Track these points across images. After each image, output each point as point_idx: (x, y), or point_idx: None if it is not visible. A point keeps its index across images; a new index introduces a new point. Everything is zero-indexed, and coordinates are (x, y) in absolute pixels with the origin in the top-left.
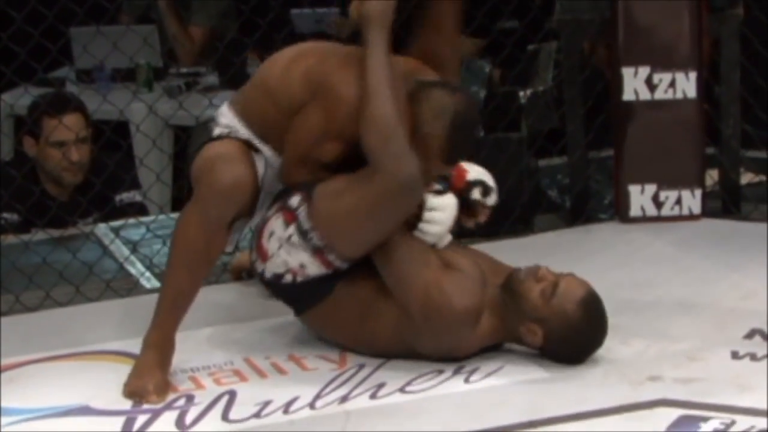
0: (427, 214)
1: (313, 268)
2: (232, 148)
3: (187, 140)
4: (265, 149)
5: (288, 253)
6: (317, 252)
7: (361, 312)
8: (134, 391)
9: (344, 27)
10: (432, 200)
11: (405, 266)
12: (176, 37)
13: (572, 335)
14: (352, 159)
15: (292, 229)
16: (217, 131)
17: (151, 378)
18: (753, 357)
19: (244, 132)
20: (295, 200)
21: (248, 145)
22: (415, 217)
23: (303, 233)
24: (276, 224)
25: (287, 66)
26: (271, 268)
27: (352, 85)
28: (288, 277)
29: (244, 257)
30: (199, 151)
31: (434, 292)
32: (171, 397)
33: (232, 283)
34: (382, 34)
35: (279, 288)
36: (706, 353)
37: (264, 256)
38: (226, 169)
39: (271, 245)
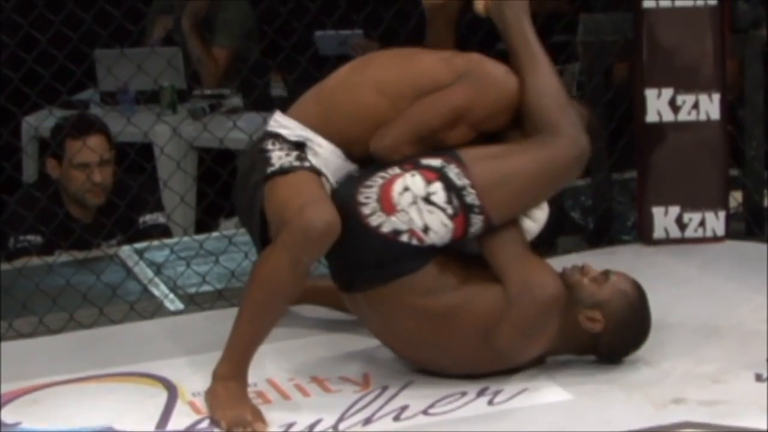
0: (531, 210)
1: (439, 233)
2: (313, 186)
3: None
4: (328, 146)
5: (419, 211)
6: (463, 212)
7: (438, 288)
8: (236, 422)
9: (368, 49)
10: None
11: (513, 246)
12: (200, 59)
13: (632, 316)
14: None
15: (435, 187)
16: (282, 157)
17: (244, 407)
18: None
19: (303, 133)
20: (433, 161)
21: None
22: None
23: (455, 190)
24: (411, 181)
25: (411, 55)
26: (393, 222)
27: (505, 72)
28: (405, 237)
29: None
30: (265, 180)
31: (536, 273)
32: (195, 418)
33: None
34: (526, 15)
35: (387, 245)
36: (729, 376)
37: (390, 209)
38: (316, 214)
39: (402, 200)
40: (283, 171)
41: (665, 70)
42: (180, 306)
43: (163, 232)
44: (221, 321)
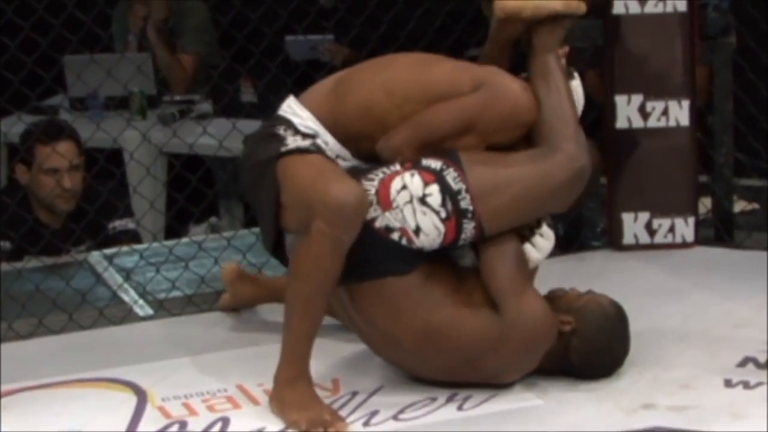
0: (537, 238)
1: (430, 236)
2: (332, 165)
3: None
4: (335, 144)
5: (413, 211)
6: (456, 216)
7: (428, 303)
8: (315, 423)
9: (338, 55)
10: (545, 227)
11: (514, 271)
12: (168, 65)
13: (604, 326)
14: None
15: (431, 189)
16: (297, 140)
17: (320, 407)
18: (746, 385)
19: (314, 126)
20: (433, 162)
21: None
22: (529, 231)
23: (451, 194)
24: (410, 180)
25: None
26: (386, 219)
27: (522, 87)
28: (395, 235)
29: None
30: (278, 157)
31: (532, 305)
32: (164, 423)
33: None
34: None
35: (378, 240)
36: (699, 381)
37: (387, 205)
38: (344, 190)
39: (399, 197)
40: (300, 151)
41: (635, 77)
42: (149, 311)
43: (133, 237)
44: (191, 326)
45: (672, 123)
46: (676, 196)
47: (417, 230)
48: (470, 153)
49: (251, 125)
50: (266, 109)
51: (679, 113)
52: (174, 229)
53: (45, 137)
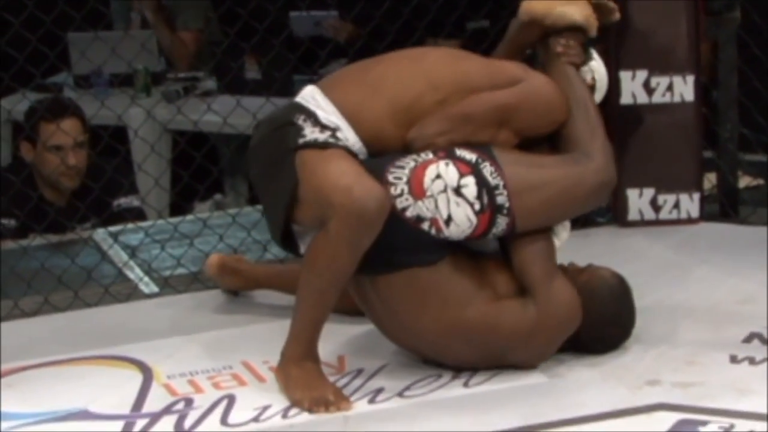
0: (559, 226)
1: (461, 227)
2: (354, 163)
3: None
4: (356, 142)
5: (447, 201)
6: (491, 210)
7: (457, 297)
8: (319, 402)
9: (342, 31)
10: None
11: (547, 260)
12: (170, 44)
13: (608, 299)
14: None
15: (467, 180)
16: (316, 132)
17: (326, 387)
18: (752, 361)
19: (337, 121)
20: (467, 154)
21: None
22: None
23: (488, 188)
24: (445, 170)
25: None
26: (418, 208)
27: (556, 87)
28: (425, 225)
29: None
30: (296, 149)
31: (564, 293)
32: (170, 400)
33: None
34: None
35: (407, 230)
36: (704, 357)
37: (420, 194)
38: (366, 194)
39: (434, 186)
40: (319, 145)
41: (639, 52)
42: (155, 289)
43: (138, 215)
44: (196, 304)
45: (677, 98)
46: (680, 171)
47: (448, 220)
48: (504, 150)
49: (256, 102)
50: (270, 85)
51: (684, 89)
52: (179, 206)
53: (49, 115)
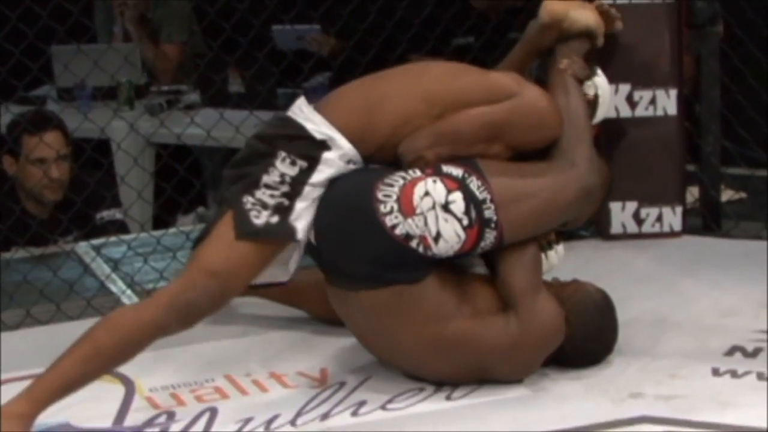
0: (551, 252)
1: (449, 242)
2: (251, 270)
3: (174, 157)
4: (350, 150)
5: (435, 218)
6: (479, 225)
7: (440, 313)
8: None
9: (325, 45)
10: (561, 246)
11: (532, 273)
12: (152, 57)
13: (594, 314)
14: None
15: (455, 196)
16: (276, 186)
17: None
18: (734, 374)
19: (329, 132)
20: (454, 170)
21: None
22: (547, 244)
23: (475, 203)
24: (432, 187)
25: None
26: (408, 225)
27: (550, 100)
28: (414, 243)
29: None
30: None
31: (547, 308)
32: (152, 413)
33: None
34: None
35: (395, 248)
36: (687, 370)
37: (410, 211)
38: (217, 296)
39: (423, 203)
40: (247, 233)
41: (622, 66)
42: (137, 302)
43: (120, 227)
44: None
45: (659, 112)
46: (663, 185)
47: (437, 237)
48: (489, 162)
49: (239, 115)
50: (254, 98)
51: (667, 102)
52: (162, 219)
53: (32, 128)
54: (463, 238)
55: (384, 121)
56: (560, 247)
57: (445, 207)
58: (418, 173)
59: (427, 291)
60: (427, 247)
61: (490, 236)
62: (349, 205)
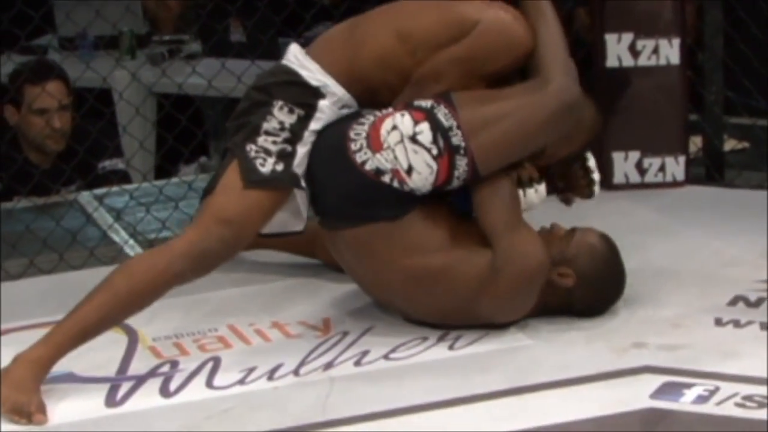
0: (531, 191)
1: (422, 174)
2: (259, 218)
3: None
4: (344, 95)
5: (404, 150)
6: (448, 153)
7: (422, 246)
8: (18, 408)
9: None
10: (543, 185)
11: (507, 208)
12: (154, 6)
13: (602, 268)
14: None
15: (422, 126)
16: (276, 133)
17: (32, 396)
18: (736, 324)
19: (324, 79)
20: (423, 102)
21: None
22: (528, 181)
23: (442, 130)
24: (400, 120)
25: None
26: (377, 161)
27: (512, 16)
28: (387, 177)
29: None
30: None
31: (525, 243)
32: (155, 363)
33: None
34: None
35: (368, 184)
36: (689, 320)
37: (377, 147)
38: (225, 244)
39: (390, 138)
40: (254, 181)
41: (625, 15)
42: (140, 252)
43: (123, 177)
44: None
45: (662, 61)
46: (666, 135)
47: (409, 170)
48: (462, 92)
49: (240, 65)
50: (255, 48)
51: (670, 52)
52: (164, 169)
53: (34, 77)
54: (435, 168)
55: (366, 62)
56: (542, 188)
57: (413, 138)
58: (390, 110)
59: (408, 227)
60: (402, 181)
61: (461, 163)
62: (326, 147)
